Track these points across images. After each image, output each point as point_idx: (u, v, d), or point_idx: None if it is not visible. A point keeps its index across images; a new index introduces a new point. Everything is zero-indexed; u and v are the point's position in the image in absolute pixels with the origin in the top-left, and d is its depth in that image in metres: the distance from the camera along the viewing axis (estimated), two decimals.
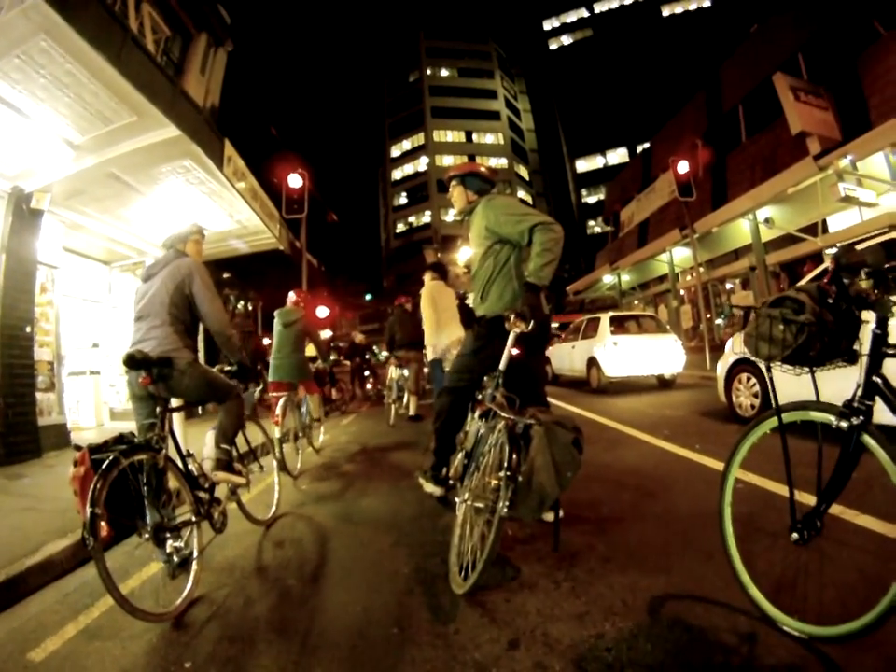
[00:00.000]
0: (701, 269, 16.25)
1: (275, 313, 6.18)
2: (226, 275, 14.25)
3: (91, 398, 9.28)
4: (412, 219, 66.87)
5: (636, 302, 26.39)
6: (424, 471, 3.44)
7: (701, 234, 16.56)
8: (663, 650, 1.85)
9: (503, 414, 2.46)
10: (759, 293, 16.98)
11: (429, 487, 3.37)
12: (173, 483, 2.74)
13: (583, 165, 63.87)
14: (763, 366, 1.93)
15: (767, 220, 14.82)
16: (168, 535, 2.53)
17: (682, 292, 21.90)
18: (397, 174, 69.55)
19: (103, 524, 2.17)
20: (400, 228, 67.69)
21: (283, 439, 5.31)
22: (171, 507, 2.67)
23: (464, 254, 32.14)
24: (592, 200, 60.91)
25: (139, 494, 2.45)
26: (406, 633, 2.11)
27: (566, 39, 68.11)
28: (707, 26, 54.00)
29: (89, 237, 8.36)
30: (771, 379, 1.89)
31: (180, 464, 2.83)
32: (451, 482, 3.32)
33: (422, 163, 66.40)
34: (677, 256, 20.73)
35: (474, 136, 67.28)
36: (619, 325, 10.99)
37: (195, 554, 2.67)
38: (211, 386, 3.13)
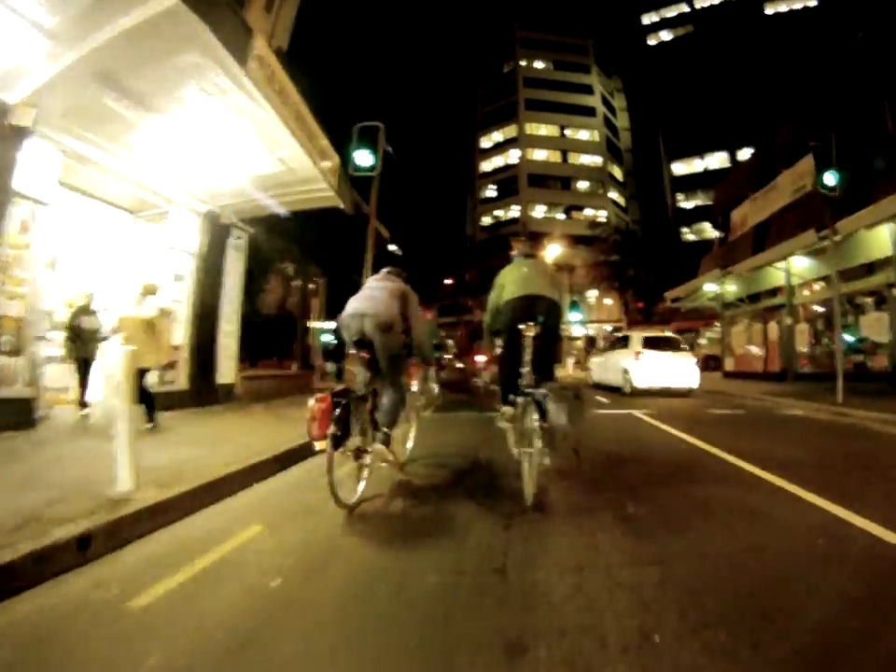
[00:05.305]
0: (829, 282, 13.75)
1: None
2: (282, 244, 12.76)
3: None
4: (499, 213, 64.55)
5: (739, 317, 23.36)
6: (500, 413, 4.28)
7: (842, 237, 13.73)
8: None
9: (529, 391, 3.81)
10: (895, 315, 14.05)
11: (504, 424, 4.28)
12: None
13: (680, 168, 60.31)
14: None
15: None
16: (361, 454, 3.82)
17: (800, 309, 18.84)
18: (485, 165, 67.30)
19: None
20: (487, 221, 65.36)
21: None
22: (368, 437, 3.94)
23: (552, 252, 31.71)
24: (688, 205, 57.44)
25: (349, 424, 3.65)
26: None
27: (665, 35, 65.20)
28: (812, 27, 49.74)
29: (98, 174, 7.02)
30: None
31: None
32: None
33: (512, 156, 64.07)
34: (795, 265, 17.78)
35: (568, 131, 64.63)
36: (648, 343, 13.46)
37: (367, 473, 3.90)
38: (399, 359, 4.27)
